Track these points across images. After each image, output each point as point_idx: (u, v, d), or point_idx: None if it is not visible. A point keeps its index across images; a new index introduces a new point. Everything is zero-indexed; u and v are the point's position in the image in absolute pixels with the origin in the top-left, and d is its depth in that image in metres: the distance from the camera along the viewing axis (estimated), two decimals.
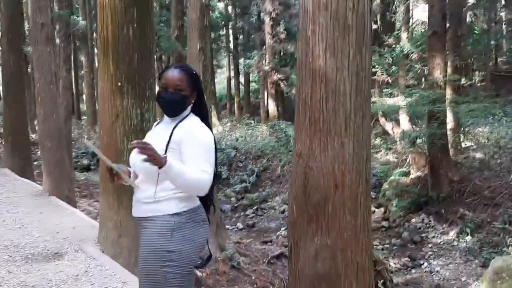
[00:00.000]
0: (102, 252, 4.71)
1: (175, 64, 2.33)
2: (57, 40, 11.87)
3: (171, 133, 2.15)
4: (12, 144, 10.13)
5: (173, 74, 2.21)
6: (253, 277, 6.96)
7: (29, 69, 18.87)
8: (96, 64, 25.35)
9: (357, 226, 2.65)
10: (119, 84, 4.79)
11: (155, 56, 20.47)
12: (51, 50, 7.48)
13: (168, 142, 2.12)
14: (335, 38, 2.55)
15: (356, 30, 2.56)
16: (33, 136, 15.18)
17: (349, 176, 2.60)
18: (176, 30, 12.34)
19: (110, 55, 4.83)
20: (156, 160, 1.86)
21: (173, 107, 2.20)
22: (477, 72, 22.49)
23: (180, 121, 2.19)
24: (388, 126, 16.67)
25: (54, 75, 7.61)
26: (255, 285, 6.71)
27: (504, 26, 23.60)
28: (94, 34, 25.01)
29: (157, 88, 2.33)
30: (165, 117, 2.26)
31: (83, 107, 28.97)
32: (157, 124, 2.34)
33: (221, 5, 28.98)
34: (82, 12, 22.55)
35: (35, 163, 12.81)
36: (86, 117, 24.51)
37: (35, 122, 19.36)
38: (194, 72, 2.29)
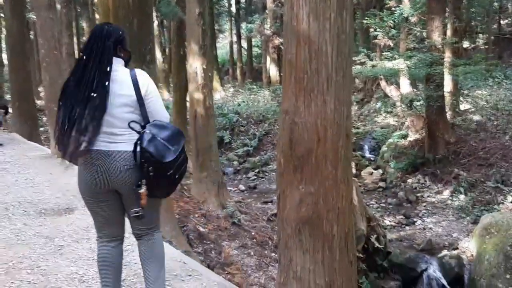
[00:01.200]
0: None
1: None
2: (58, 6, 11.97)
3: None
4: (19, 110, 10.45)
5: None
6: (252, 233, 7.35)
7: (31, 36, 18.99)
8: None
9: (338, 176, 2.92)
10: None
11: (157, 21, 20.47)
12: (53, 16, 7.65)
13: None
14: (318, 2, 2.76)
15: None
16: (38, 102, 15.46)
17: (331, 130, 2.85)
18: None
19: (110, 20, 5.02)
20: None
21: None
22: (480, 35, 22.37)
23: None
24: (389, 89, 16.80)
25: (58, 41, 7.81)
26: (254, 240, 7.11)
27: None
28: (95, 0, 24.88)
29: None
30: None
31: None
32: None
33: None
34: None
35: (41, 128, 13.15)
36: None
37: (39, 89, 19.63)
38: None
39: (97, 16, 25.10)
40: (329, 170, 2.89)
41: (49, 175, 6.56)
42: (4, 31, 15.51)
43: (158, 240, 2.65)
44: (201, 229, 6.76)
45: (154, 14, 19.02)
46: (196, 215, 7.17)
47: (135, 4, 5.03)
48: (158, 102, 2.54)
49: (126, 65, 2.58)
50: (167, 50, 26.50)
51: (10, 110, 10.58)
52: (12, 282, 3.17)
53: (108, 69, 2.41)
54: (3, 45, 17.97)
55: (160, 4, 13.44)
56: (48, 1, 7.54)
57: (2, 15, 17.68)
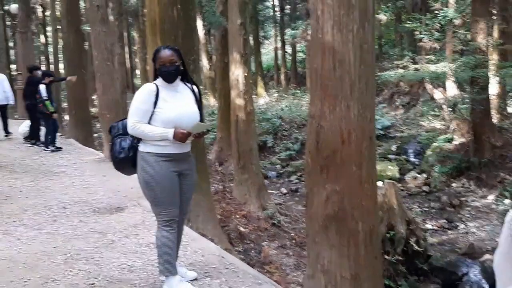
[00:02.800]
0: None
1: (164, 46, 3.14)
2: (111, 17, 12.70)
3: (194, 94, 3.10)
4: (76, 117, 11.20)
5: (166, 52, 2.97)
6: (292, 234, 7.59)
7: (86, 47, 20.07)
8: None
9: (362, 176, 3.13)
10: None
11: (204, 30, 21.10)
12: (106, 30, 8.23)
13: (198, 101, 3.11)
14: (341, 16, 2.99)
15: (359, 8, 2.99)
16: (91, 110, 16.36)
17: (354, 133, 3.08)
18: (220, 5, 12.82)
19: (157, 34, 5.45)
20: None
21: (174, 76, 2.98)
22: None
23: (180, 84, 3.05)
24: (435, 92, 16.56)
25: (110, 53, 8.39)
26: (293, 241, 7.34)
27: None
28: (145, 10, 25.91)
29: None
30: (162, 83, 2.98)
31: (137, 81, 30.28)
32: (157, 91, 2.96)
33: None
34: None
35: (94, 135, 13.96)
36: None
37: (93, 97, 20.71)
38: (177, 48, 3.08)
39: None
40: (353, 170, 3.12)
41: (102, 177, 7.08)
42: (60, 42, 16.58)
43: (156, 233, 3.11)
44: (241, 229, 7.07)
45: (201, 23, 19.65)
46: (237, 216, 7.49)
47: (180, 18, 5.43)
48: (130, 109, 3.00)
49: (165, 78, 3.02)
50: (213, 57, 27.22)
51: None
52: (71, 271, 3.58)
53: None
54: (60, 56, 19.16)
55: (206, 14, 13.98)
56: (101, 16, 8.13)
57: (59, 27, 18.86)
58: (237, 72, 8.08)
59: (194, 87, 3.15)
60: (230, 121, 12.74)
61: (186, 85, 3.11)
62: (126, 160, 3.05)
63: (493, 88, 11.76)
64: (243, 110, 8.06)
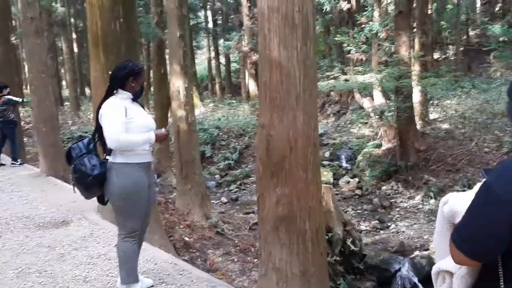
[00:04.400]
0: (103, 218, 5.45)
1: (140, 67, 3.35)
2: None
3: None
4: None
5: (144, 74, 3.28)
6: (236, 241, 7.78)
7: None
8: (75, 50, 25.58)
9: (308, 179, 3.42)
10: (110, 72, 5.44)
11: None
12: (40, 42, 8.05)
13: None
14: (286, 34, 3.28)
15: (302, 27, 3.29)
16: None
17: (301, 140, 3.36)
18: (156, 16, 12.89)
19: (100, 47, 5.49)
20: None
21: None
22: (450, 46, 23.42)
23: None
24: (363, 101, 17.54)
25: (45, 65, 8.20)
26: (237, 247, 7.54)
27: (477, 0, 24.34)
28: (72, 20, 25.17)
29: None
30: (124, 97, 3.15)
31: (64, 92, 29.12)
32: (123, 103, 3.12)
33: None
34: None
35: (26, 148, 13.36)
36: (69, 103, 24.67)
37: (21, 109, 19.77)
38: None
39: (74, 35, 25.41)
40: (300, 174, 3.40)
41: (41, 192, 6.91)
42: None
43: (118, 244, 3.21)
44: (186, 239, 7.17)
45: None
46: (182, 226, 7.58)
47: (123, 31, 5.49)
48: (104, 124, 3.06)
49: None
50: (145, 67, 26.90)
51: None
52: (25, 284, 3.57)
53: None
54: None
55: (141, 25, 13.93)
56: (35, 28, 7.95)
57: None
58: (177, 84, 8.20)
59: None
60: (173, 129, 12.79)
61: None
62: (101, 176, 3.03)
63: (416, 97, 12.71)
64: (185, 121, 8.18)
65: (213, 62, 30.03)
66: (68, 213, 5.78)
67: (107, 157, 3.10)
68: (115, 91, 3.14)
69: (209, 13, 30.38)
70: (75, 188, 3.10)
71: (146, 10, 17.65)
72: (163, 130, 3.21)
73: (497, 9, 20.79)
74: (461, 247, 1.27)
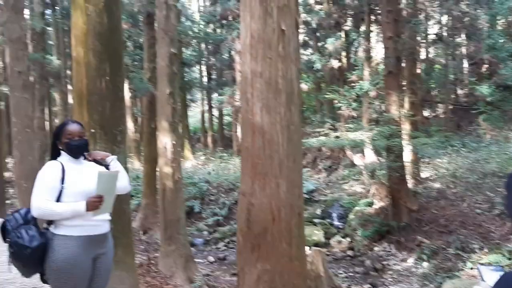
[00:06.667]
0: None
1: (71, 120, 3.10)
2: (31, 78, 12.29)
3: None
4: None
5: (74, 126, 2.92)
6: None
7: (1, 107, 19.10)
8: (70, 101, 25.64)
9: (292, 253, 3.18)
10: (92, 131, 5.30)
11: (130, 93, 21.01)
12: (28, 97, 7.94)
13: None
14: (269, 99, 3.16)
15: (286, 92, 3.18)
16: (5, 174, 15.33)
17: (284, 210, 3.16)
18: (148, 72, 12.95)
19: (84, 105, 5.35)
20: None
21: (83, 149, 2.92)
22: (440, 104, 23.76)
23: (84, 160, 2.95)
24: (355, 158, 17.44)
25: (31, 120, 8.05)
26: None
27: (465, 60, 24.98)
28: (68, 72, 25.39)
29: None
30: (66, 159, 2.88)
31: None
32: (62, 166, 2.83)
33: (195, 42, 29.97)
34: (57, 51, 22.93)
35: (7, 201, 13.00)
36: None
37: (6, 160, 19.50)
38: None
39: (69, 87, 25.52)
40: (283, 247, 3.16)
41: None
42: None
43: None
44: None
45: (128, 86, 19.60)
46: None
47: (109, 89, 5.38)
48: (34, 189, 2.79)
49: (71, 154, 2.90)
50: (139, 120, 26.96)
51: None
52: None
53: None
54: None
55: (134, 80, 14.00)
56: (23, 82, 7.86)
57: None
58: (165, 140, 8.05)
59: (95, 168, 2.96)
60: (156, 187, 12.50)
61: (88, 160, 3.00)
62: (40, 248, 2.70)
63: (407, 155, 12.63)
64: (171, 179, 7.97)
65: (206, 115, 30.21)
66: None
67: (47, 226, 2.80)
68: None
69: (204, 68, 30.88)
70: (12, 266, 2.76)
71: (140, 66, 17.82)
72: (93, 197, 2.76)
73: (484, 69, 21.25)
74: None
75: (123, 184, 3.04)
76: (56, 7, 20.48)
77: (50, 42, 23.84)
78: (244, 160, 3.28)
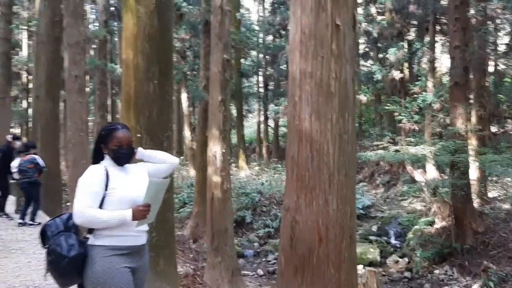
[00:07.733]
0: None
1: (120, 124, 2.84)
2: (90, 86, 12.61)
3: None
4: (47, 187, 10.67)
5: (124, 133, 2.72)
6: None
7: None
8: None
9: (341, 280, 2.79)
10: (138, 135, 5.16)
11: (188, 102, 21.24)
12: (82, 100, 8.04)
13: None
14: (319, 104, 2.80)
15: (339, 96, 2.81)
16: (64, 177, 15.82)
17: (333, 231, 2.77)
18: (204, 80, 12.92)
19: (131, 109, 5.24)
20: None
21: (129, 159, 2.75)
22: (509, 120, 22.23)
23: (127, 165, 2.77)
24: (416, 173, 16.54)
25: (85, 123, 8.13)
26: None
27: None
28: None
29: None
30: (110, 164, 2.69)
31: None
32: (106, 171, 2.64)
33: (253, 53, 30.06)
34: (120, 60, 23.68)
35: (67, 204, 13.34)
36: None
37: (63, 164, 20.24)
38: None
39: None
40: (331, 272, 2.78)
41: None
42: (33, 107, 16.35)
43: None
44: None
45: (186, 95, 19.82)
46: None
47: (156, 93, 5.25)
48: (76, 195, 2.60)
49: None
50: (196, 129, 27.27)
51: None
52: None
53: None
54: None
55: (190, 88, 14.07)
56: (78, 86, 7.97)
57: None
58: (214, 149, 7.86)
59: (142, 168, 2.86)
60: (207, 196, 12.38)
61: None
62: (78, 258, 2.53)
63: (473, 173, 11.73)
64: (220, 188, 7.74)
65: (262, 125, 30.09)
66: None
67: (88, 235, 2.61)
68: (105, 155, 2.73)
69: (261, 78, 30.84)
70: (47, 274, 2.60)
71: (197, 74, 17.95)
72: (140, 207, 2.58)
73: None
74: None
75: (167, 159, 2.94)
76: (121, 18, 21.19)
77: (117, 53, 24.69)
78: (289, 171, 2.93)
